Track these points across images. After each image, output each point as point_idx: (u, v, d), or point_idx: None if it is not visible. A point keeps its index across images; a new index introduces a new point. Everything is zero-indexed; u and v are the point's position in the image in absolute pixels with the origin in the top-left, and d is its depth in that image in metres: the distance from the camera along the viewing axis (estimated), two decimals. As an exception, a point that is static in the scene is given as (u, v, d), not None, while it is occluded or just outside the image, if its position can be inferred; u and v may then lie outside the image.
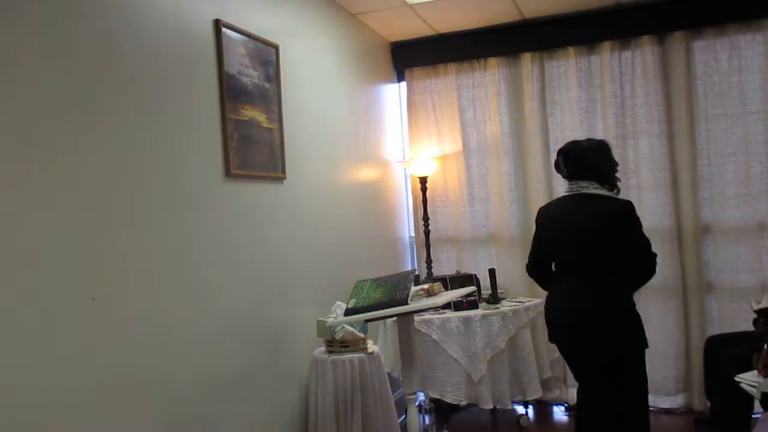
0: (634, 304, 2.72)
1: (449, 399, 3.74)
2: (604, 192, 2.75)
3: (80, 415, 1.98)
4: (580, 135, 4.30)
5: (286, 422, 3.07)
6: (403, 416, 2.91)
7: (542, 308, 3.09)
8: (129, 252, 2.21)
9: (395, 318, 2.83)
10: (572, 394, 4.32)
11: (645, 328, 2.72)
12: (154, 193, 2.35)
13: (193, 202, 2.55)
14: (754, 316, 3.53)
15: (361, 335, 3.14)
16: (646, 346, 2.72)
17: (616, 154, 4.19)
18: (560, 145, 4.31)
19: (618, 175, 2.85)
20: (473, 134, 4.61)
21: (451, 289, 3.65)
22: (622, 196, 2.84)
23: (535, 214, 4.34)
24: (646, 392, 2.78)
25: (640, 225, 2.70)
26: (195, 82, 2.60)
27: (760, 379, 2.63)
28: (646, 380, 2.77)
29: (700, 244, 4.09)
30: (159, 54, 2.41)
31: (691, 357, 4.07)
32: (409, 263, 4.88)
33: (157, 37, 2.41)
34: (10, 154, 1.82)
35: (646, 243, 2.71)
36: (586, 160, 2.76)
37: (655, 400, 4.17)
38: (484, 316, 3.78)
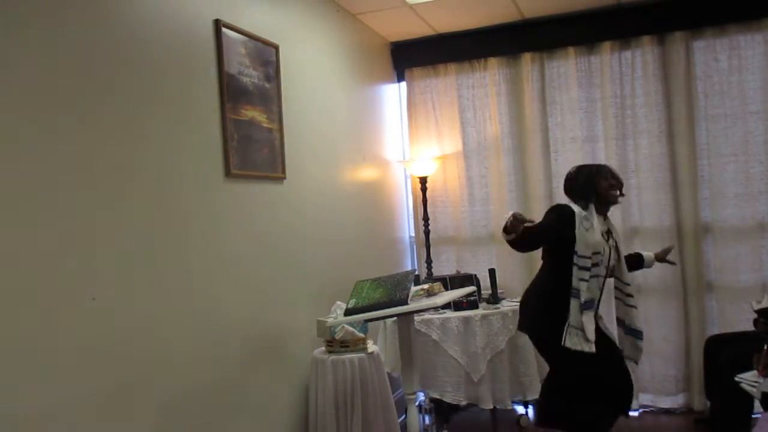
0: (550, 295, 2.99)
1: (449, 399, 3.74)
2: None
3: (80, 416, 1.98)
4: (579, 135, 4.32)
5: (286, 422, 3.07)
6: (403, 416, 2.91)
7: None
8: (129, 252, 2.21)
9: (395, 318, 2.83)
10: (572, 394, 4.33)
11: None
12: (154, 192, 2.35)
13: (193, 202, 2.55)
14: (755, 315, 3.53)
15: (361, 335, 3.14)
16: (549, 340, 2.97)
17: (616, 154, 4.27)
18: (560, 145, 4.44)
19: (613, 192, 3.08)
20: (473, 134, 4.61)
21: (451, 289, 3.65)
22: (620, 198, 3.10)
23: (535, 214, 4.42)
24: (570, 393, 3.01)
25: (547, 219, 2.99)
26: (195, 82, 2.60)
27: (760, 379, 2.63)
28: (569, 381, 3.01)
29: (700, 244, 4.09)
30: (159, 54, 2.41)
31: (691, 357, 4.07)
32: (409, 263, 4.88)
33: (157, 37, 2.41)
34: (10, 154, 1.82)
35: (535, 229, 2.84)
36: (567, 183, 3.17)
37: (655, 400, 4.19)
38: (484, 316, 3.78)
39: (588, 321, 2.87)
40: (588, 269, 2.89)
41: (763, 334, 3.44)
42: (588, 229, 2.91)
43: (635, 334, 3.12)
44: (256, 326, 2.91)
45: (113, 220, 2.16)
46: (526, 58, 4.43)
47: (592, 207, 2.98)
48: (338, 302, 3.22)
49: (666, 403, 4.15)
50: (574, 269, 2.88)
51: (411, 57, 4.73)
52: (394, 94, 4.81)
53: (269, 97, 3.08)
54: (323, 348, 3.17)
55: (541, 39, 4.37)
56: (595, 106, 4.32)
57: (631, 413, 4.13)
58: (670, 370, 4.12)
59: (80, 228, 2.03)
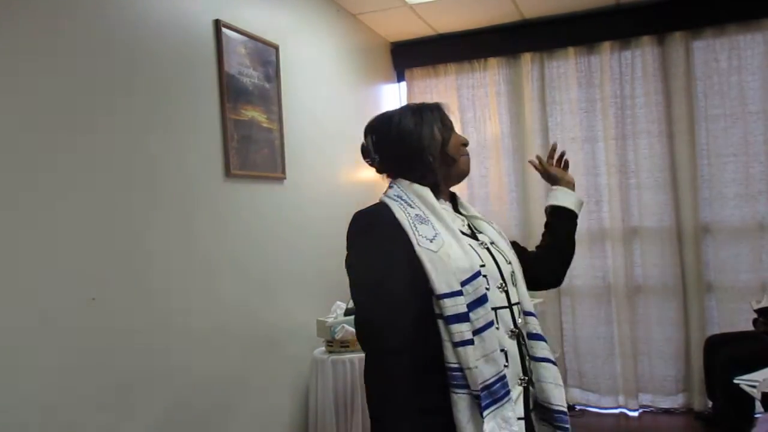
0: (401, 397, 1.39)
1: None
2: None
3: (80, 415, 1.98)
4: (579, 135, 4.32)
5: (286, 422, 3.07)
6: (403, 416, 2.91)
7: (542, 308, 3.12)
8: (129, 252, 2.21)
9: (395, 318, 2.82)
10: (572, 394, 4.34)
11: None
12: (154, 193, 2.34)
13: (193, 202, 2.55)
14: (754, 315, 3.54)
15: (361, 335, 3.14)
16: None
17: (616, 154, 4.27)
18: (560, 145, 4.36)
19: (465, 156, 1.58)
20: (473, 134, 4.61)
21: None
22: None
23: (534, 214, 4.43)
24: None
25: (358, 263, 1.41)
26: (195, 82, 2.60)
27: (760, 379, 2.63)
28: None
29: (700, 244, 4.09)
30: (159, 54, 2.41)
31: (691, 357, 4.07)
32: (409, 263, 4.87)
33: (157, 37, 2.41)
34: (10, 154, 1.82)
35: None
36: (386, 141, 1.58)
37: (654, 400, 4.19)
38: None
39: None
40: (465, 317, 1.33)
41: (763, 333, 3.45)
42: (434, 238, 1.38)
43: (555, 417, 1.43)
44: (256, 326, 2.91)
45: (113, 219, 2.16)
46: (526, 58, 4.43)
47: (426, 191, 1.48)
48: (338, 302, 3.22)
49: (666, 403, 4.15)
50: (441, 328, 1.33)
51: (411, 57, 4.73)
52: (394, 94, 4.81)
53: (269, 97, 3.08)
54: (323, 348, 3.17)
55: (541, 39, 4.37)
56: (595, 106, 4.32)
57: (631, 413, 4.16)
58: (670, 370, 4.12)
59: (80, 228, 2.03)
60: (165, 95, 2.43)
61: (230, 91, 2.77)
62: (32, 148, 1.89)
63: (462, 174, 1.57)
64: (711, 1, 4.00)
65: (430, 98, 4.69)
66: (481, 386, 1.28)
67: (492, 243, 1.52)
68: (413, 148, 1.49)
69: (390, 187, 1.53)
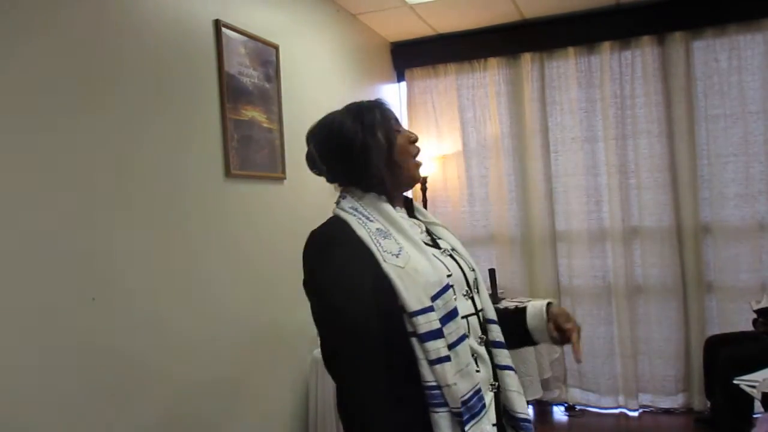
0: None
1: (449, 399, 3.70)
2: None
3: (80, 415, 1.98)
4: (579, 135, 4.32)
5: (286, 422, 3.07)
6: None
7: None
8: (129, 252, 2.21)
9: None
10: (572, 394, 4.34)
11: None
12: (154, 193, 2.35)
13: (193, 202, 2.55)
14: (754, 316, 3.54)
15: (361, 335, 3.14)
16: None
17: (616, 154, 4.28)
18: (560, 145, 4.42)
19: (416, 161, 1.49)
20: (473, 134, 4.61)
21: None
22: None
23: (535, 214, 4.43)
24: None
25: (321, 290, 1.34)
26: (195, 82, 2.60)
27: (760, 379, 2.63)
28: None
29: (700, 244, 4.09)
30: (159, 54, 2.41)
31: (691, 357, 4.07)
32: (409, 263, 4.87)
33: (157, 37, 2.41)
34: (10, 153, 1.82)
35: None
36: (326, 146, 1.54)
37: (654, 400, 4.19)
38: (483, 316, 3.77)
39: None
40: (440, 332, 1.26)
41: (763, 334, 3.45)
42: (399, 253, 1.31)
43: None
44: (256, 326, 2.91)
45: (113, 220, 2.16)
46: (526, 58, 4.43)
47: (383, 201, 1.41)
48: (338, 302, 3.22)
49: (666, 403, 4.15)
50: (416, 346, 1.26)
51: (411, 57, 4.73)
52: (394, 94, 4.81)
53: (269, 97, 3.08)
54: (323, 348, 3.17)
55: (541, 39, 4.37)
56: (595, 106, 4.32)
57: (631, 413, 4.16)
58: (670, 370, 4.12)
59: (80, 228, 2.03)
60: (165, 95, 2.43)
61: (230, 91, 2.77)
62: (32, 148, 1.89)
63: (412, 180, 1.46)
64: (711, 1, 4.01)
65: (430, 98, 4.69)
66: (461, 402, 1.24)
67: (453, 249, 1.47)
68: (355, 156, 1.40)
69: (342, 197, 1.46)
